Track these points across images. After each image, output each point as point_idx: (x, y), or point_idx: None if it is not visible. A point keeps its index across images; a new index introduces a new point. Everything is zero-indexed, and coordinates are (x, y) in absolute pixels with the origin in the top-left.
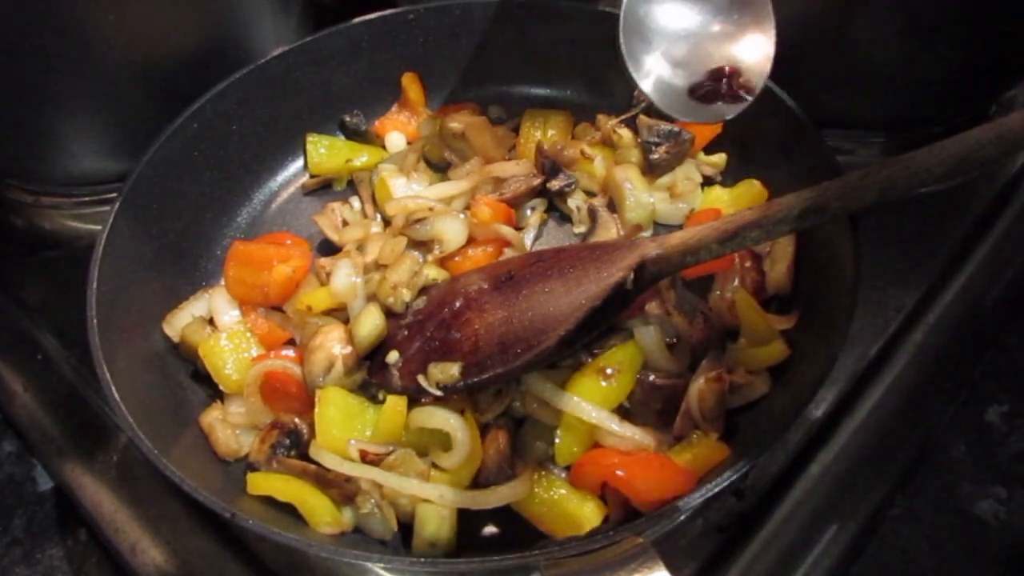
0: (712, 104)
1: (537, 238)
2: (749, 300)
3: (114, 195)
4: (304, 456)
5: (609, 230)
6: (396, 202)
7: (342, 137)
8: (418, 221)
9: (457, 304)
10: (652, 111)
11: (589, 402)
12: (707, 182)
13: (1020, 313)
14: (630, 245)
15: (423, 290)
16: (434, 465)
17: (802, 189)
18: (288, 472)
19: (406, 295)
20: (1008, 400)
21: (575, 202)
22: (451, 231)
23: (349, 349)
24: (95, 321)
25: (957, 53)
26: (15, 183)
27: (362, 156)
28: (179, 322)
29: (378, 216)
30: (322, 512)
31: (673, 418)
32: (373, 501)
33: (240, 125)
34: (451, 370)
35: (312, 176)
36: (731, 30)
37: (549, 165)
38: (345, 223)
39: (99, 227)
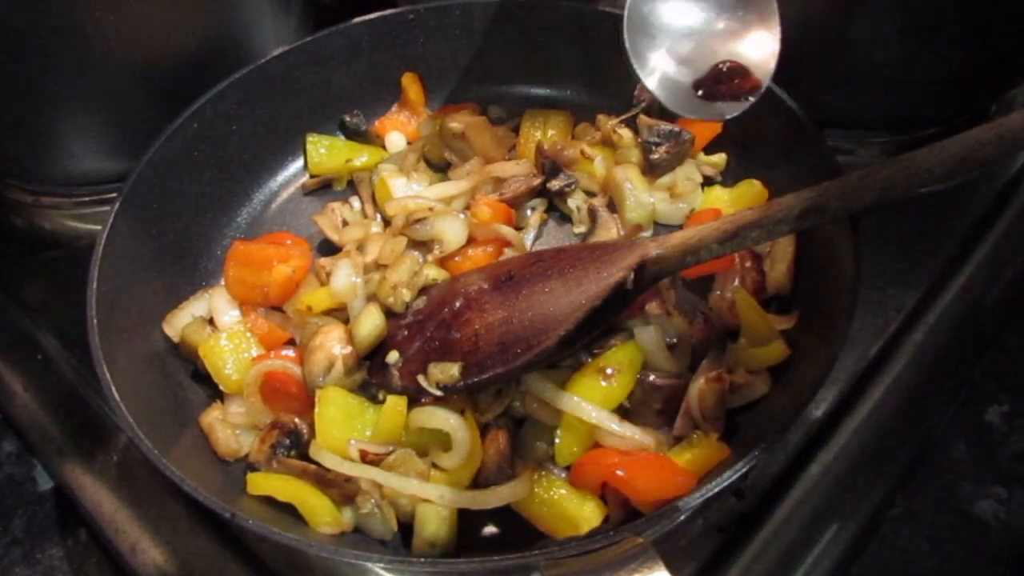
0: (717, 101)
1: (537, 238)
2: (749, 300)
3: (114, 195)
4: (304, 456)
5: (609, 230)
6: (396, 202)
7: (342, 137)
8: (418, 221)
9: (457, 304)
10: (652, 111)
11: (589, 402)
12: (707, 182)
13: (1020, 313)
14: (630, 245)
15: (423, 290)
16: (434, 465)
17: (802, 189)
18: (288, 472)
19: (406, 295)
20: (1008, 400)
21: (575, 202)
22: (451, 231)
23: (349, 349)
24: (95, 321)
25: (957, 53)
26: (15, 183)
27: (362, 156)
28: (179, 322)
29: (378, 216)
30: (322, 512)
31: (673, 418)
32: (373, 501)
33: (240, 125)
34: (451, 370)
35: (312, 176)
36: (736, 27)
37: (549, 165)
38: (345, 223)
39: (99, 227)
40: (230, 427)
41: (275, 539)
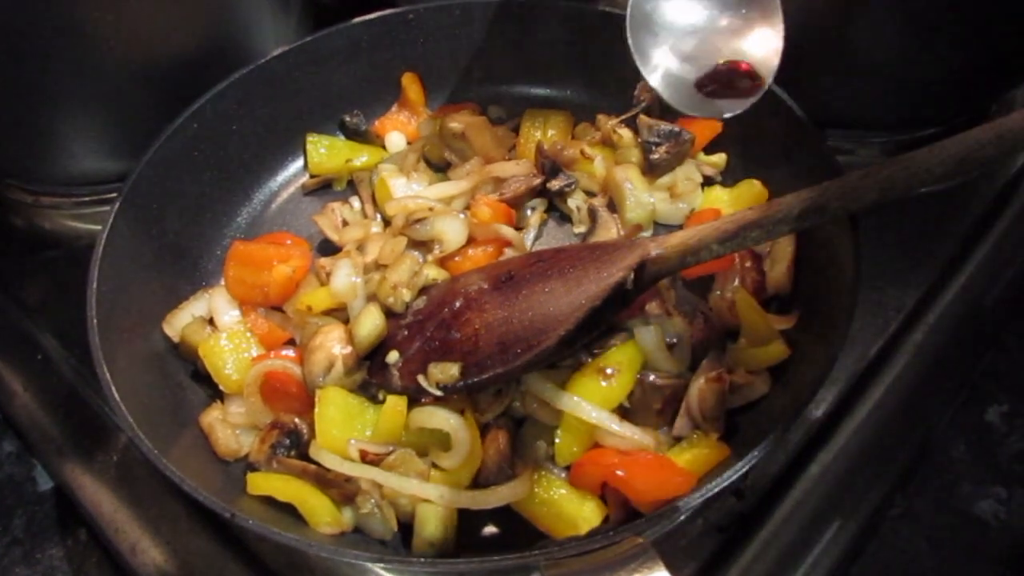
0: (720, 99)
1: (537, 238)
2: (749, 300)
3: (114, 195)
4: (304, 456)
5: (609, 230)
6: (396, 202)
7: (342, 137)
8: (418, 221)
9: (457, 304)
10: (652, 111)
11: (589, 402)
12: (707, 182)
13: (1020, 313)
14: (630, 245)
15: (423, 290)
16: (434, 465)
17: (802, 189)
18: (288, 472)
19: (406, 295)
20: (1008, 400)
21: (575, 202)
22: (451, 231)
23: (349, 349)
24: (95, 321)
25: (957, 53)
26: (15, 183)
27: (362, 156)
28: (179, 322)
29: (378, 216)
30: (322, 512)
31: (673, 418)
32: (373, 501)
33: (240, 125)
34: (451, 370)
35: (312, 176)
36: (739, 24)
37: (549, 165)
38: (345, 223)
39: (99, 227)
40: (230, 427)
41: (275, 539)
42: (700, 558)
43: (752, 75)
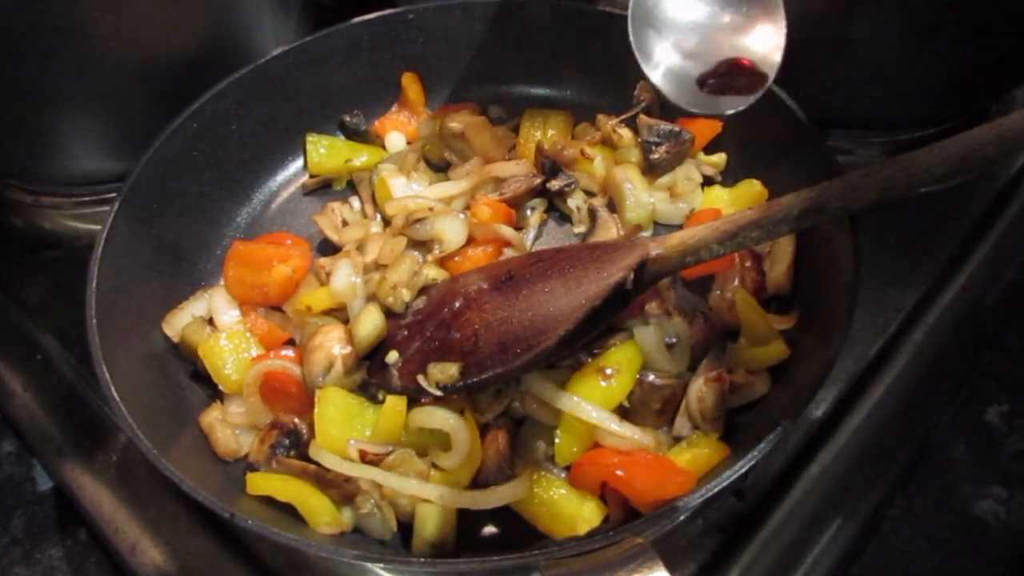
0: (722, 96)
1: (537, 238)
2: (749, 300)
3: (114, 195)
4: (304, 456)
5: (609, 230)
6: (396, 202)
7: (342, 137)
8: (418, 221)
9: (457, 304)
10: (652, 111)
11: (589, 402)
12: (707, 182)
13: (1020, 313)
14: (630, 245)
15: (423, 290)
16: (434, 465)
17: (802, 189)
18: (288, 472)
19: (406, 295)
20: (1008, 400)
21: (575, 202)
22: (451, 231)
23: (349, 349)
24: (94, 321)
25: (957, 53)
26: (15, 183)
27: (362, 156)
28: (179, 322)
29: (378, 216)
30: (322, 512)
31: (673, 418)
32: (373, 501)
33: (240, 125)
34: (451, 370)
35: (312, 176)
36: (741, 21)
37: (549, 165)
38: (345, 223)
39: (99, 227)
40: (229, 427)
41: (274, 539)
42: (700, 558)
43: (754, 72)
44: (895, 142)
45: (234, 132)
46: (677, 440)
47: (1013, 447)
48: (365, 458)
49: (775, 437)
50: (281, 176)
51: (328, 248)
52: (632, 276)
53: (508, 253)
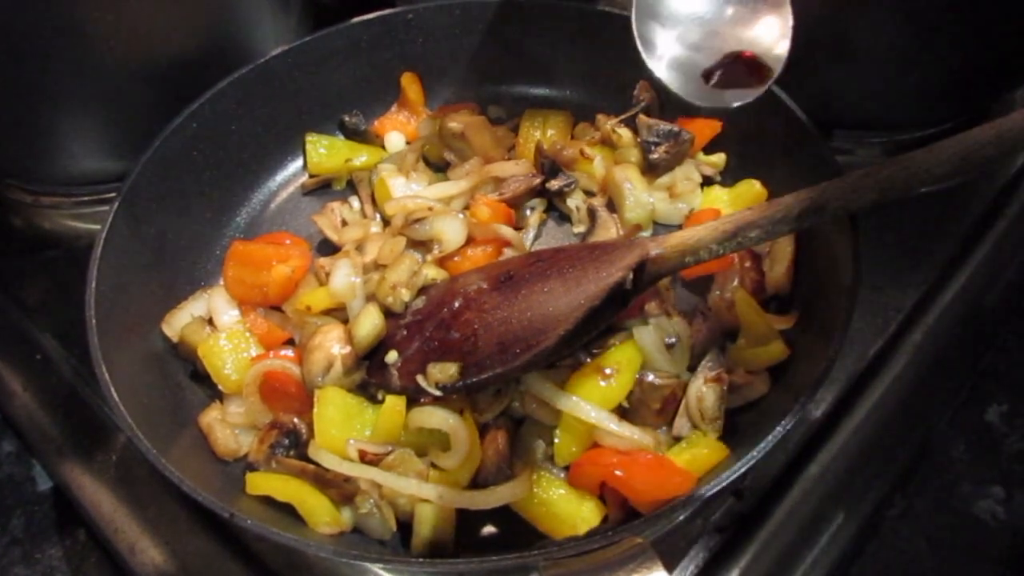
0: (727, 89)
1: (536, 238)
2: (749, 300)
3: (113, 195)
4: (303, 456)
5: (608, 230)
6: (395, 202)
7: (341, 137)
8: (417, 221)
9: (456, 304)
10: (652, 111)
11: (588, 402)
12: (707, 182)
13: (1020, 313)
14: (629, 245)
15: (422, 290)
16: (433, 465)
17: (802, 189)
18: (287, 472)
19: (405, 295)
20: (1008, 400)
21: (574, 202)
22: (450, 231)
23: (348, 349)
24: (94, 321)
25: (957, 53)
26: (15, 183)
27: (361, 156)
28: (178, 322)
29: (377, 216)
30: (321, 512)
31: (672, 418)
32: (372, 501)
33: (239, 125)
34: (450, 370)
35: (311, 176)
36: (746, 14)
37: (548, 165)
38: (344, 223)
39: (98, 227)
40: (229, 427)
41: (274, 539)
42: (699, 558)
43: (760, 65)
44: (895, 142)
45: (234, 132)
46: (676, 440)
47: (1013, 447)
48: (364, 458)
49: (775, 437)
50: (280, 176)
51: (328, 248)
52: (631, 276)
53: (508, 253)
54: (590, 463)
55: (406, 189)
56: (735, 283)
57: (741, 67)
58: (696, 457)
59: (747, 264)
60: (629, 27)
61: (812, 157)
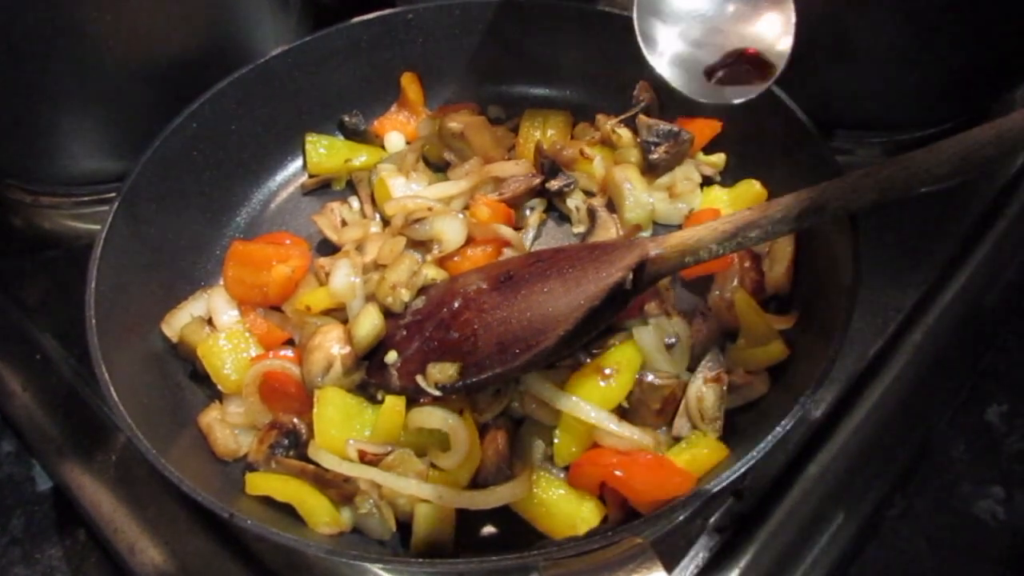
0: (729, 86)
1: (536, 238)
2: (748, 300)
3: (113, 195)
4: (303, 456)
5: (608, 230)
6: (395, 202)
7: (341, 137)
8: (417, 221)
9: (456, 304)
10: (652, 111)
11: (588, 402)
12: (706, 182)
13: (1020, 313)
14: (629, 245)
15: (422, 290)
16: (433, 465)
17: (802, 189)
18: (287, 472)
19: (405, 295)
20: (1008, 400)
21: (574, 202)
22: (450, 231)
23: (348, 349)
24: (94, 321)
25: (957, 53)
26: (15, 183)
27: (361, 156)
28: (178, 322)
29: (377, 216)
30: (321, 512)
31: (672, 418)
32: (371, 501)
33: (239, 125)
34: (450, 370)
35: (311, 176)
36: (748, 10)
37: (548, 165)
38: (344, 223)
39: (98, 227)
40: (229, 427)
41: (273, 539)
42: (699, 558)
43: (763, 62)
44: (895, 142)
45: (233, 132)
46: (676, 440)
47: (1013, 447)
48: (364, 458)
49: (774, 437)
50: (280, 176)
51: (327, 248)
52: (631, 276)
53: (507, 253)
54: (590, 463)
55: (406, 189)
56: (735, 283)
57: (744, 64)
58: (696, 457)
59: (747, 264)
60: (629, 27)
61: (812, 157)
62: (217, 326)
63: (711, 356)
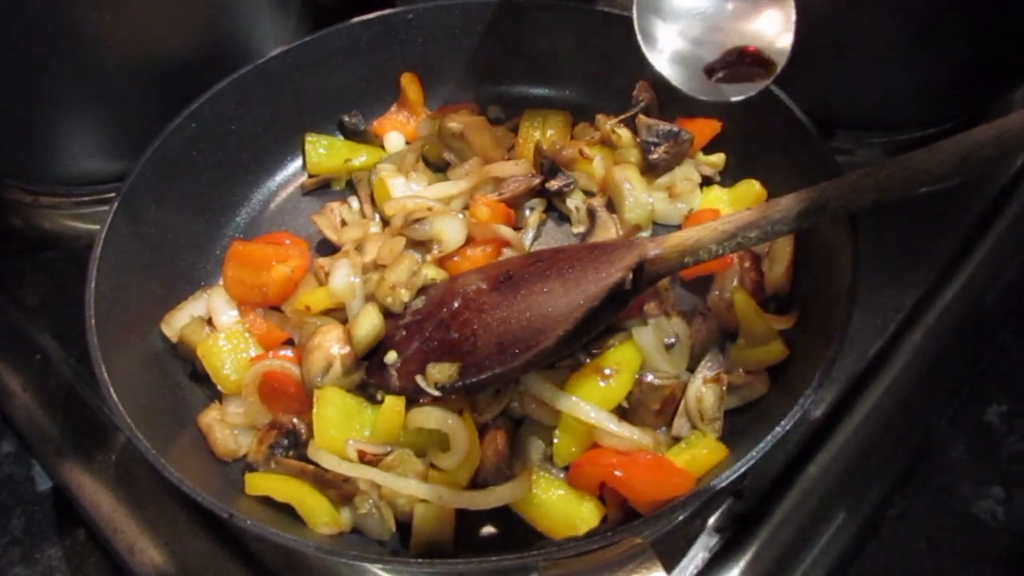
0: (729, 84)
1: (536, 238)
2: (748, 300)
3: (113, 195)
4: (302, 456)
5: (608, 230)
6: (395, 202)
7: (341, 137)
8: (417, 221)
9: (456, 304)
10: (651, 111)
11: (587, 402)
12: (706, 182)
13: (1020, 313)
14: (629, 245)
15: (422, 290)
16: (432, 465)
17: (801, 189)
18: (286, 472)
19: (404, 295)
20: (1007, 400)
21: (574, 202)
22: (450, 231)
23: (347, 349)
24: (93, 321)
25: (957, 53)
26: (14, 183)
27: (361, 156)
28: (177, 322)
29: (377, 216)
30: (320, 512)
31: (671, 418)
32: (371, 501)
33: (239, 125)
34: (449, 370)
35: (311, 176)
36: (747, 8)
37: (548, 165)
38: (344, 223)
39: (98, 227)
40: (228, 427)
41: (273, 539)
42: (699, 559)
43: (763, 59)
44: (895, 142)
45: (233, 132)
46: (676, 440)
47: (1012, 447)
48: (364, 458)
49: (774, 437)
50: (280, 176)
51: (327, 248)
52: (631, 276)
53: (507, 253)
54: (589, 463)
55: (405, 189)
56: (734, 283)
57: (744, 62)
58: (695, 457)
59: (746, 264)
60: (629, 27)
61: (812, 157)
62: (217, 326)
63: (711, 356)
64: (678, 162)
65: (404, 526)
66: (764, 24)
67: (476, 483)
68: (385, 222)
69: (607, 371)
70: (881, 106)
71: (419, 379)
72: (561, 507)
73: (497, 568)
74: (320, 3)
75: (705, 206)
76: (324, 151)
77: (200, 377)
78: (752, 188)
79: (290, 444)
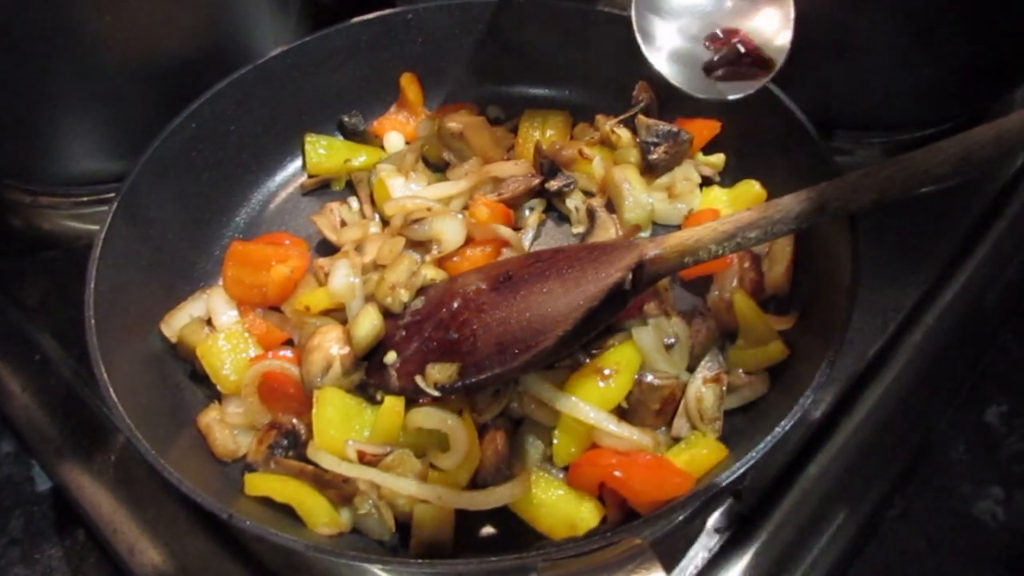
0: (728, 82)
1: (535, 238)
2: (748, 300)
3: (112, 195)
4: (302, 457)
5: (608, 230)
6: (394, 202)
7: (340, 137)
8: (416, 221)
9: (455, 304)
10: (651, 111)
11: (587, 402)
12: (706, 182)
13: (1020, 313)
14: (628, 245)
15: (421, 290)
16: (432, 465)
17: (801, 189)
18: (286, 473)
19: (404, 295)
20: (1007, 400)
21: (574, 202)
22: (449, 231)
23: (347, 349)
24: (93, 321)
25: (957, 53)
26: (14, 183)
27: (360, 156)
28: (177, 322)
29: (376, 216)
30: (320, 513)
31: (671, 419)
32: (371, 502)
33: (239, 125)
34: (449, 371)
35: (310, 176)
36: (746, 6)
37: (548, 165)
38: (343, 223)
39: (97, 227)
40: (228, 428)
41: (273, 540)
42: (698, 559)
43: (761, 57)
44: (895, 142)
45: (233, 132)
46: (676, 441)
47: (1012, 447)
48: (363, 459)
49: (774, 437)
50: (280, 176)
51: (327, 248)
52: (630, 276)
53: (506, 253)
54: (589, 464)
55: (405, 189)
56: (734, 283)
57: (743, 60)
58: (695, 458)
59: (746, 264)
60: (629, 27)
61: (812, 157)
62: (216, 326)
63: (710, 356)
64: (678, 162)
65: (404, 526)
66: (762, 21)
67: (476, 483)
68: (385, 222)
69: (607, 371)
70: (881, 106)
71: (419, 379)
72: (561, 507)
73: (497, 568)
74: (320, 3)
75: (705, 206)
76: (324, 151)
77: (200, 377)
78: (752, 188)
79: (290, 444)
